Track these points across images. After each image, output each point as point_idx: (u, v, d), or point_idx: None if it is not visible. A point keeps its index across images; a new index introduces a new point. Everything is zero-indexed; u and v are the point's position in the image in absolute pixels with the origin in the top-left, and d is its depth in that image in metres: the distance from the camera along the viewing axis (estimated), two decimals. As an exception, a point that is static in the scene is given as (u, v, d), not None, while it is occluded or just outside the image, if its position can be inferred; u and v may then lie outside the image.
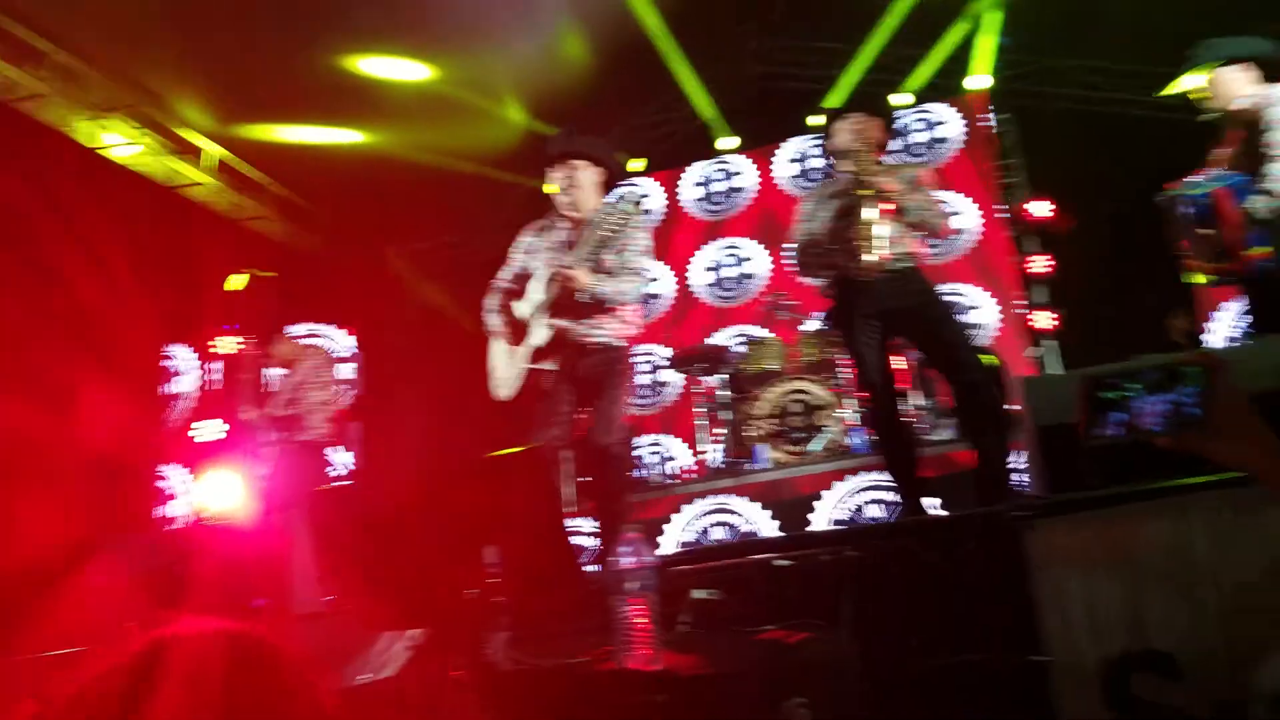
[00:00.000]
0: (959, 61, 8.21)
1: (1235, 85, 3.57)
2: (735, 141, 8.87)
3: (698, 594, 2.63)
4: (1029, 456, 2.92)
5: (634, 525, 3.24)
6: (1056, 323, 7.47)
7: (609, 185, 3.93)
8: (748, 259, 8.65)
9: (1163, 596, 2.27)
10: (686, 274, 8.72)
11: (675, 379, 8.11)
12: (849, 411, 5.91)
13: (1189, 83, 3.73)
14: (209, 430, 7.40)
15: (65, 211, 5.84)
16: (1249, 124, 3.52)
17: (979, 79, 8.20)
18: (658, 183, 8.99)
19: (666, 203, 8.96)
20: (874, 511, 5.23)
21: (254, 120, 7.43)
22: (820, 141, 4.13)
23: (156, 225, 7.07)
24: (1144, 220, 6.87)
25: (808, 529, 5.21)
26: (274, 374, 6.60)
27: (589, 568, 3.26)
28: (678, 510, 5.53)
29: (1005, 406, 3.69)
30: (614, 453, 3.63)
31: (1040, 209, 7.76)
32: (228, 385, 7.30)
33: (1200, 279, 3.72)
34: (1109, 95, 8.01)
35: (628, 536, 1.77)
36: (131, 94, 7.11)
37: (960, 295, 7.71)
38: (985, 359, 4.57)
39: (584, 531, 3.90)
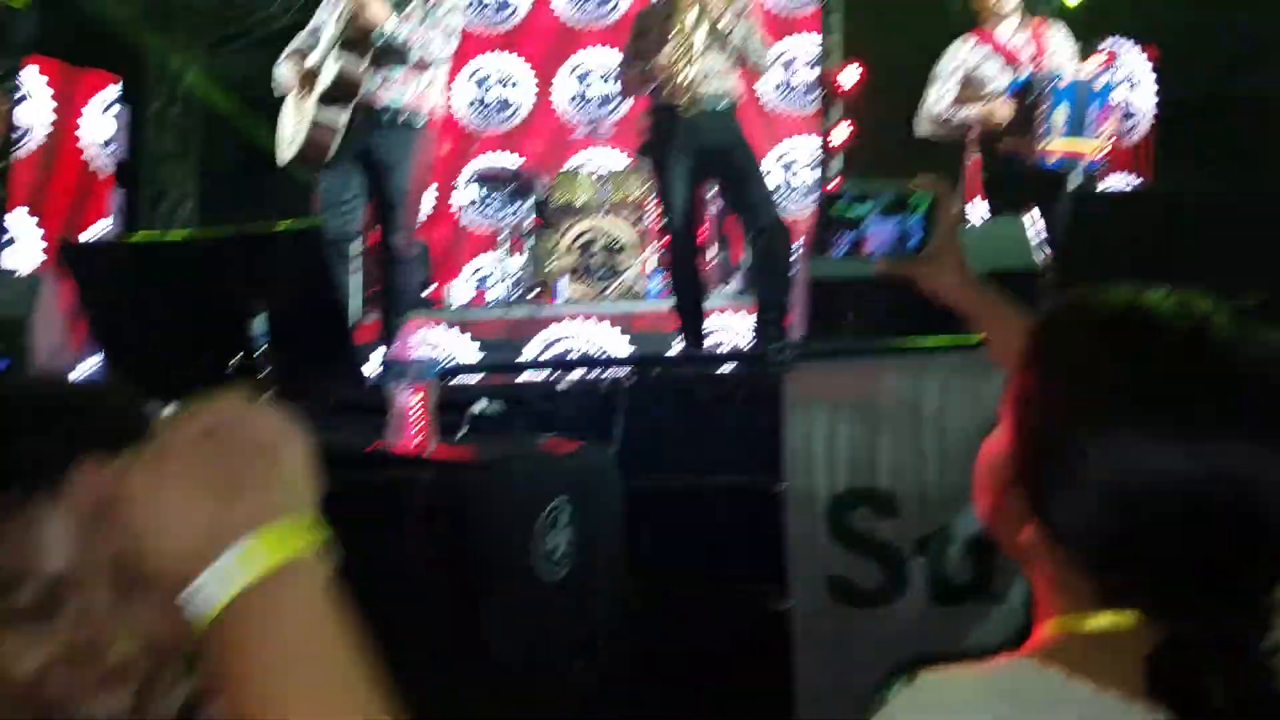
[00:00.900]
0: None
1: None
2: None
3: (479, 406, 2.69)
4: (800, 306, 3.15)
5: (417, 314, 3.21)
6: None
7: None
8: (515, 84, 7.82)
9: (893, 441, 2.54)
10: (551, 86, 7.79)
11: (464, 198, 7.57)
12: (651, 255, 6.05)
13: None
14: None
15: None
16: None
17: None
18: None
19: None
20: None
21: None
22: None
23: None
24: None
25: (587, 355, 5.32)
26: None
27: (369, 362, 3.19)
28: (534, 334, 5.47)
29: (789, 260, 3.90)
30: (400, 250, 3.46)
31: (848, 76, 7.81)
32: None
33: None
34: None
35: (409, 326, 1.76)
36: None
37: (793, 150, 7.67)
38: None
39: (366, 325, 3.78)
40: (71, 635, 0.66)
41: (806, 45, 8.01)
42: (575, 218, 6.18)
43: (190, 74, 8.58)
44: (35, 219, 6.83)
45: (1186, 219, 2.63)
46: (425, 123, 3.54)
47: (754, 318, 3.91)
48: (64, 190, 7.18)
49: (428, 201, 7.49)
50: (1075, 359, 0.76)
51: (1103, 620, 0.72)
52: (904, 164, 7.25)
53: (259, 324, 1.69)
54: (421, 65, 3.42)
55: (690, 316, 3.91)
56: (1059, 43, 4.02)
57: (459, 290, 7.45)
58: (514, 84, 7.88)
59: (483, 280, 7.55)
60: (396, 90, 3.42)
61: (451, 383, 3.25)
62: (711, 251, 6.02)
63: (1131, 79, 6.96)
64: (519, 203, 6.49)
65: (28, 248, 6.74)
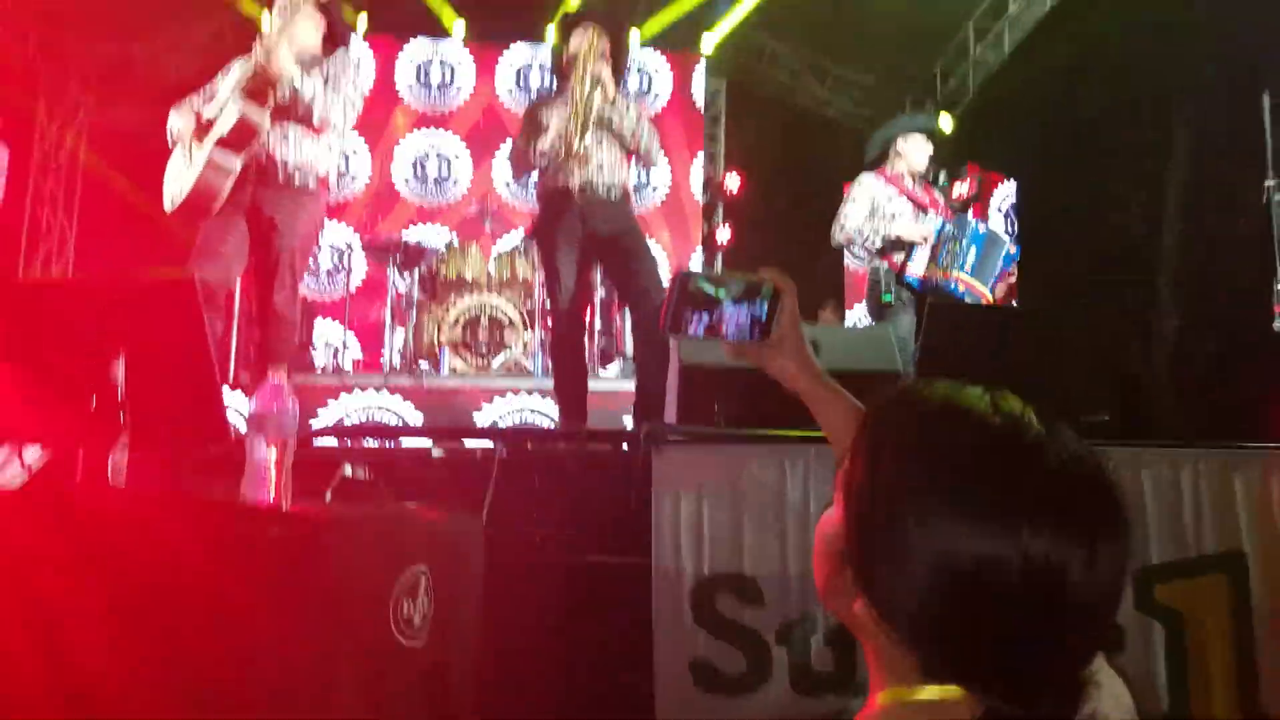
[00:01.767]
0: (693, 19, 8.40)
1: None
2: (462, 25, 8.43)
3: (347, 470, 2.64)
4: (671, 389, 3.23)
5: (277, 370, 3.15)
6: (725, 291, 8.13)
7: (330, 29, 3.70)
8: (455, 159, 8.40)
9: (757, 528, 2.60)
10: (391, 161, 8.34)
11: (359, 267, 7.75)
12: (534, 335, 6.10)
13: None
14: None
15: None
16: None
17: (709, 40, 8.50)
18: (371, 50, 8.42)
19: (375, 75, 8.41)
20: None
21: None
22: (552, 48, 4.16)
23: None
24: (814, 212, 7.74)
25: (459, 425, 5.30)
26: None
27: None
28: (336, 398, 5.39)
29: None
30: (281, 309, 3.43)
31: (733, 181, 8.35)
32: None
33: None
34: (811, 90, 8.78)
35: (270, 380, 1.74)
36: None
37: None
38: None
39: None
40: None
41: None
42: (463, 292, 6.20)
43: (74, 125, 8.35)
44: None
45: (1028, 330, 2.87)
46: (317, 187, 3.55)
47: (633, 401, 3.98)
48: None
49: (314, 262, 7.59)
50: (900, 446, 0.82)
51: (930, 693, 0.76)
52: (784, 266, 7.66)
53: (119, 368, 1.64)
54: (321, 127, 3.46)
55: (570, 395, 3.95)
56: (938, 197, 4.82)
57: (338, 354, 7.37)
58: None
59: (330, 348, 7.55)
60: (293, 147, 3.45)
61: (319, 444, 3.19)
62: (594, 335, 6.14)
63: (999, 205, 7.62)
64: (406, 274, 6.47)
65: None
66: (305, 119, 3.41)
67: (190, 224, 3.45)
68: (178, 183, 3.39)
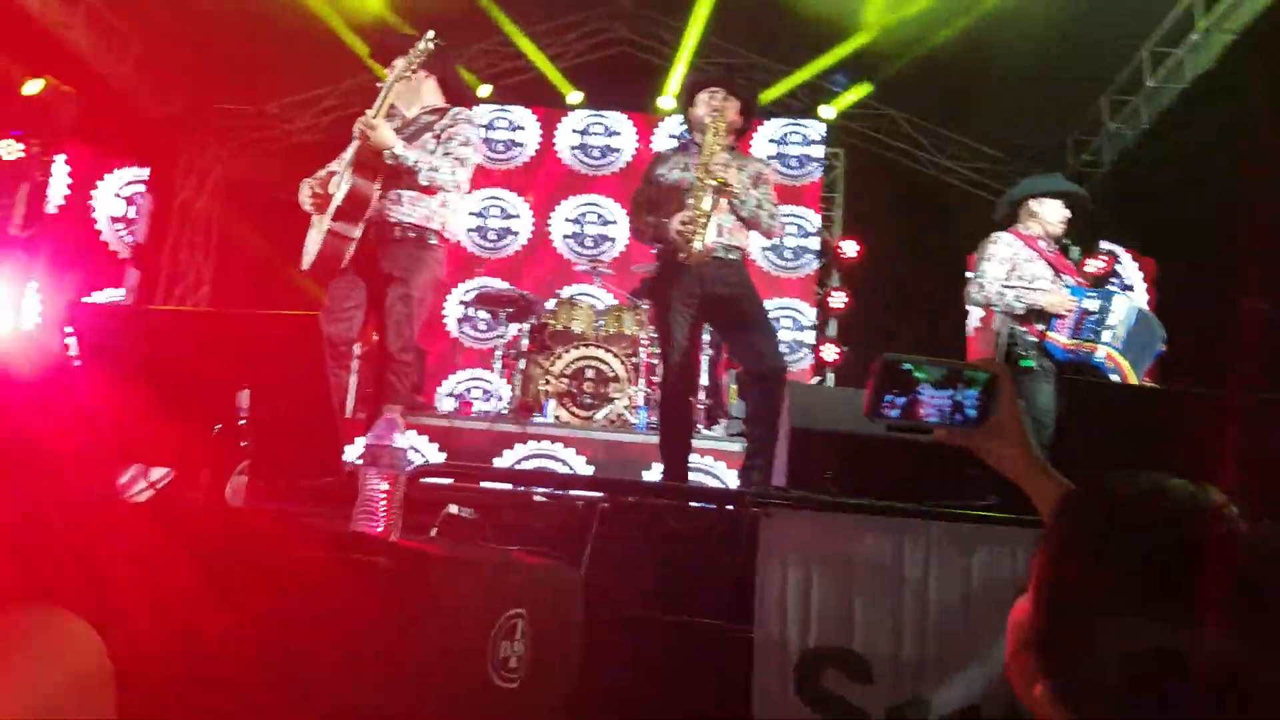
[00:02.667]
0: (814, 87, 8.53)
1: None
2: (578, 96, 8.78)
3: (453, 509, 2.66)
4: (782, 453, 3.14)
5: (392, 407, 3.21)
6: (839, 358, 8.00)
7: (445, 90, 3.90)
8: (612, 222, 8.62)
9: (870, 604, 2.48)
10: (548, 221, 8.61)
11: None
12: (639, 390, 6.09)
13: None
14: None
15: None
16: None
17: (828, 109, 8.59)
18: (535, 116, 8.85)
19: (540, 140, 8.83)
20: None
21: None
22: (682, 105, 4.14)
23: None
24: (932, 280, 7.58)
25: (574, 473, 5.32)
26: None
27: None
28: (510, 447, 5.50)
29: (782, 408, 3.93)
30: (398, 359, 3.56)
31: (850, 247, 8.27)
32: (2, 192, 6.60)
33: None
34: (933, 158, 8.67)
35: (385, 416, 1.76)
36: None
37: (789, 309, 8.20)
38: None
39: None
40: None
41: (808, 216, 8.61)
42: (570, 344, 6.26)
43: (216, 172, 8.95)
44: (45, 286, 6.94)
45: (1175, 413, 2.68)
46: (435, 241, 3.69)
47: (740, 463, 3.90)
48: (79, 262, 7.33)
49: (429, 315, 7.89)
50: (1091, 539, 0.82)
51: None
52: (898, 335, 7.52)
53: (243, 398, 1.69)
54: (430, 189, 3.61)
55: (674, 452, 3.90)
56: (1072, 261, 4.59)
57: (446, 400, 7.57)
58: (516, 218, 8.60)
59: (471, 393, 7.74)
60: (405, 209, 3.62)
61: (426, 482, 3.21)
62: (701, 395, 6.09)
63: (1127, 281, 7.27)
64: (515, 325, 6.60)
65: (37, 310, 6.84)
66: (413, 183, 3.58)
67: (321, 282, 3.68)
68: (310, 247, 3.64)
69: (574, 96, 8.76)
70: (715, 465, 5.38)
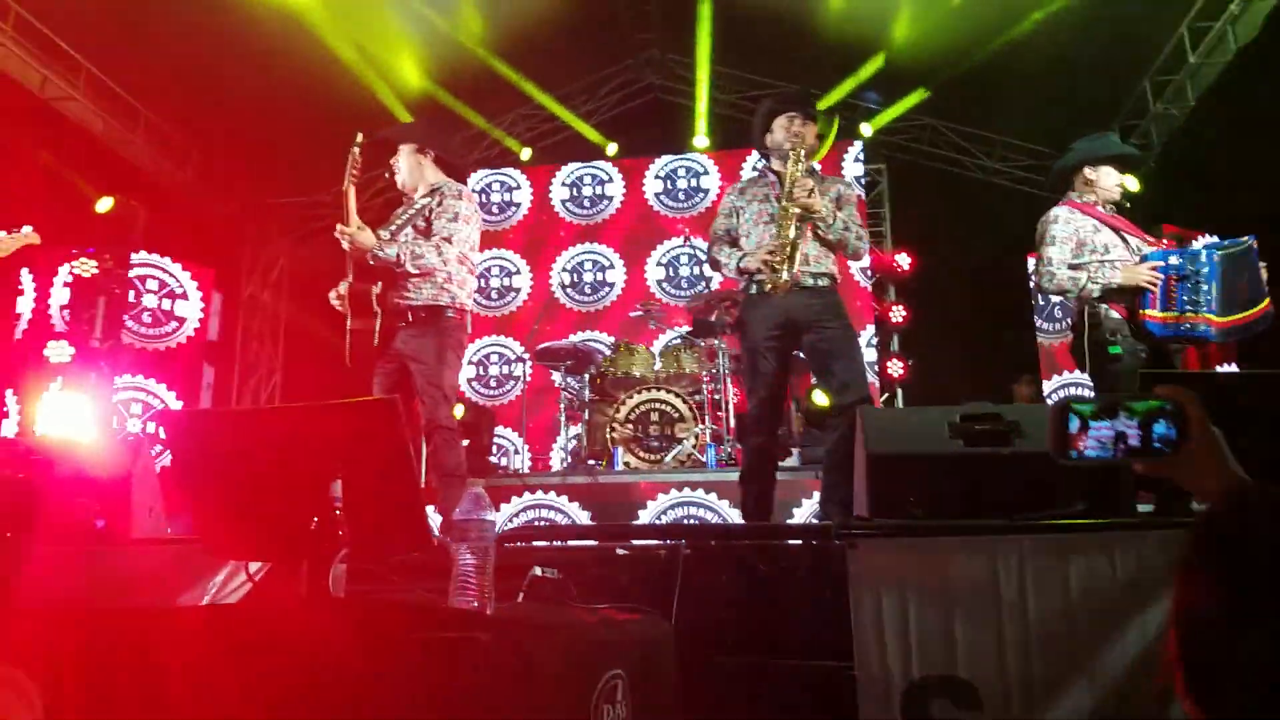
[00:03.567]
0: (846, 106, 8.54)
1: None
2: (614, 148, 9.06)
3: (537, 571, 2.68)
4: (860, 480, 3.09)
5: (476, 482, 3.27)
6: (904, 373, 7.90)
7: (442, 165, 4.14)
8: (609, 268, 8.82)
9: (969, 627, 2.42)
10: (549, 273, 8.87)
11: (525, 374, 8.18)
12: (706, 428, 6.09)
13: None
14: (58, 351, 7.00)
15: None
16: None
17: (865, 126, 8.59)
18: (526, 177, 9.19)
19: (532, 197, 9.15)
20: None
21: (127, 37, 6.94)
22: (757, 132, 4.10)
23: (23, 137, 6.58)
24: (993, 284, 7.44)
25: (646, 523, 5.32)
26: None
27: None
28: (507, 501, 5.55)
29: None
30: (441, 425, 3.72)
31: (903, 259, 8.20)
32: (79, 307, 6.96)
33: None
34: (978, 162, 8.57)
35: (470, 491, 1.80)
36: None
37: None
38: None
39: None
40: None
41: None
42: (632, 389, 6.29)
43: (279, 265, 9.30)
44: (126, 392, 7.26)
45: (1263, 398, 2.58)
46: (451, 315, 3.90)
47: (818, 493, 3.84)
48: (154, 365, 7.65)
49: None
50: (1236, 554, 0.81)
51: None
52: (964, 345, 7.40)
53: (336, 488, 1.74)
54: (425, 273, 3.86)
55: (757, 488, 3.83)
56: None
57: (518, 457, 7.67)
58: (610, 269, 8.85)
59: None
60: (411, 293, 3.88)
61: (510, 546, 3.24)
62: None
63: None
64: (577, 377, 6.67)
65: (119, 418, 7.15)
66: (405, 271, 3.85)
67: (363, 376, 3.95)
68: (347, 344, 3.95)
69: (611, 148, 8.97)
70: (719, 502, 5.33)
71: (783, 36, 7.60)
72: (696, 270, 8.51)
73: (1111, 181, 4.10)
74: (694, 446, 6.06)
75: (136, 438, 6.65)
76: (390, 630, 1.42)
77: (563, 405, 6.70)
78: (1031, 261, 4.20)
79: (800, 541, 3.00)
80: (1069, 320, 4.03)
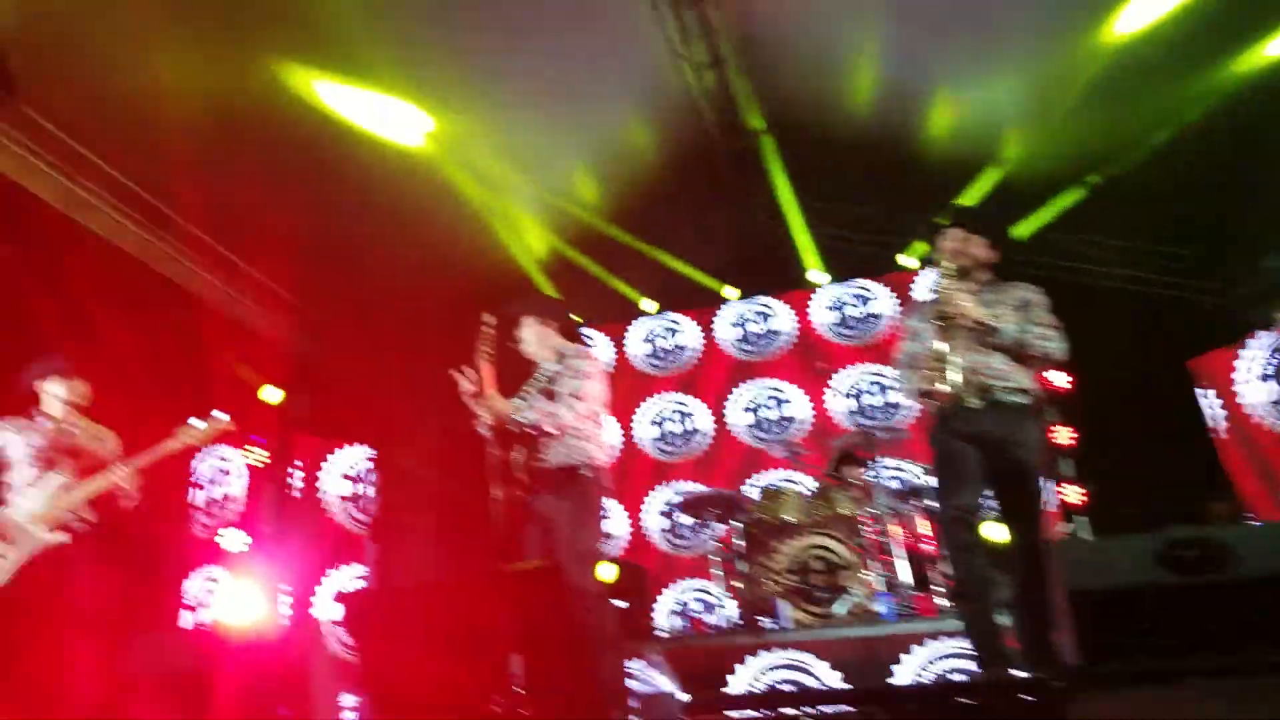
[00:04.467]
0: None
1: None
2: (736, 292, 9.20)
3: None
4: (1066, 624, 2.80)
5: (656, 649, 3.14)
6: (1085, 498, 7.36)
7: (565, 334, 4.40)
8: (787, 401, 8.70)
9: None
10: (724, 412, 8.76)
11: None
12: (873, 574, 5.74)
13: None
14: (233, 540, 7.38)
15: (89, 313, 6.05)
16: None
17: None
18: (693, 320, 9.26)
19: (703, 341, 9.17)
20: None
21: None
22: (930, 257, 4.23)
23: (165, 320, 7.19)
24: (1165, 398, 6.93)
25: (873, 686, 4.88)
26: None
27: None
28: (741, 661, 5.06)
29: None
30: (586, 590, 3.58)
31: (1059, 378, 7.77)
32: (252, 496, 7.35)
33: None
34: (1126, 271, 8.20)
35: (648, 660, 1.71)
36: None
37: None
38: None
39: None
40: None
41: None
42: (787, 536, 6.04)
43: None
44: (298, 576, 7.54)
45: None
46: (586, 473, 4.00)
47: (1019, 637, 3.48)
48: (321, 546, 7.94)
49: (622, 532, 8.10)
50: None
51: None
52: (1140, 465, 6.87)
53: (516, 663, 1.69)
54: (559, 432, 4.01)
55: (982, 630, 3.50)
56: None
57: (671, 618, 7.44)
58: (692, 417, 8.86)
59: (689, 607, 7.63)
60: (549, 455, 4.03)
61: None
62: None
63: None
64: (723, 526, 6.49)
65: (289, 602, 7.41)
66: (541, 433, 4.01)
67: (514, 540, 3.96)
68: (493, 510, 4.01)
69: (730, 292, 9.18)
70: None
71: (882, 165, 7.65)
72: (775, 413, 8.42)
73: None
74: (864, 595, 5.71)
75: (315, 623, 6.81)
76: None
77: (718, 558, 6.49)
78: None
79: (1007, 699, 2.71)
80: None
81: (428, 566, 9.31)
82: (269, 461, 7.07)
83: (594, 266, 8.73)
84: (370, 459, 8.28)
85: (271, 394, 7.81)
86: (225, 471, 7.71)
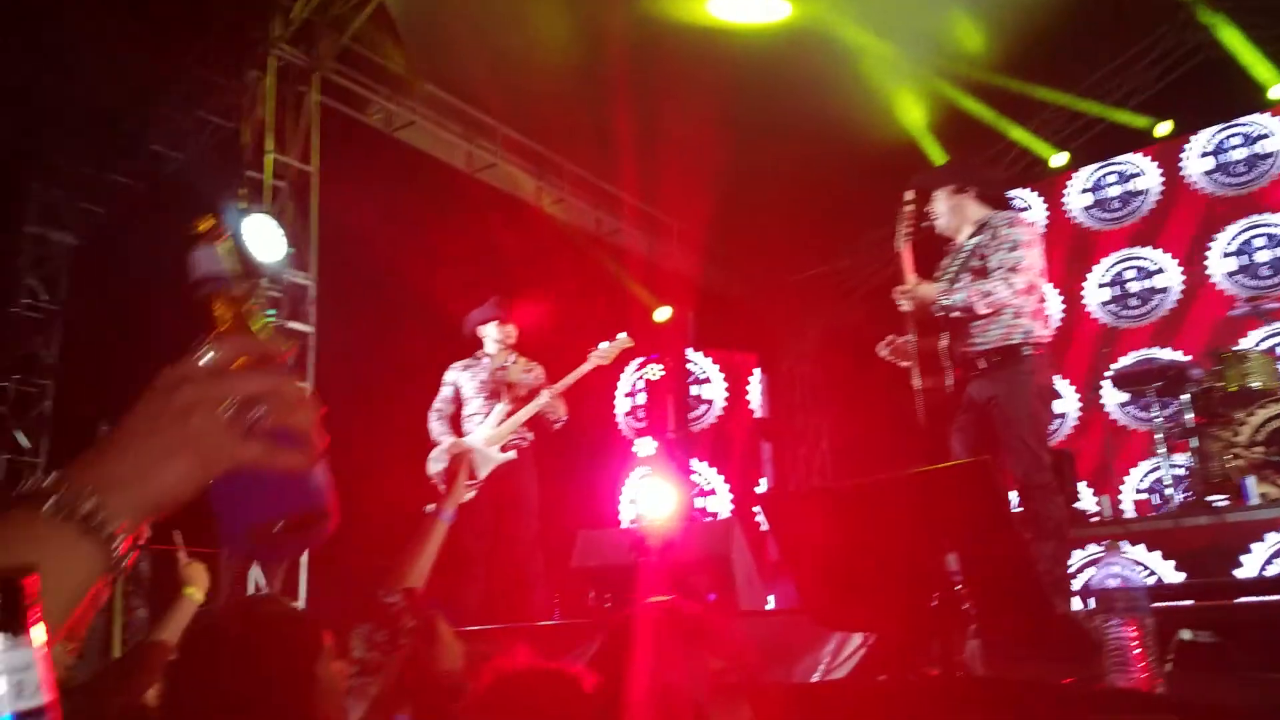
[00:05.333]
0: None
1: None
2: (1167, 126, 7.72)
3: (1186, 635, 2.26)
4: None
5: (1114, 545, 2.89)
6: None
7: (987, 201, 3.90)
8: (1159, 270, 7.43)
9: None
10: (1205, 261, 7.43)
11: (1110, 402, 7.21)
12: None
13: None
14: (644, 446, 8.15)
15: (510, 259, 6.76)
16: None
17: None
18: (1148, 157, 7.97)
19: (1164, 181, 7.84)
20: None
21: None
22: None
23: (565, 259, 7.79)
24: None
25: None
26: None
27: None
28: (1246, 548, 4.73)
29: None
30: (1034, 483, 3.40)
31: None
32: (652, 405, 8.01)
33: None
34: None
35: (1111, 556, 1.53)
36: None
37: None
38: None
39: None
40: None
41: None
42: (1253, 405, 5.17)
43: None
44: (720, 474, 8.10)
45: None
46: (1028, 352, 3.61)
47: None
48: (738, 449, 8.40)
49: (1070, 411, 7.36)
50: None
51: None
52: None
53: (951, 561, 1.61)
54: (990, 310, 3.60)
55: None
56: None
57: (1126, 501, 6.82)
58: (1158, 273, 7.57)
59: (1152, 487, 6.89)
60: (979, 338, 3.67)
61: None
62: None
63: None
64: (1172, 398, 5.72)
65: (719, 497, 7.98)
66: (973, 315, 3.62)
67: (938, 433, 3.79)
68: (917, 402, 3.84)
69: (1162, 128, 7.75)
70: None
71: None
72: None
73: None
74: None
75: (730, 517, 7.29)
76: (1053, 713, 1.22)
77: (1160, 435, 5.76)
78: None
79: None
80: None
81: (819, 463, 9.51)
82: (665, 375, 7.60)
83: (999, 119, 7.86)
84: (756, 367, 8.54)
85: (663, 313, 8.32)
86: (633, 385, 8.42)
